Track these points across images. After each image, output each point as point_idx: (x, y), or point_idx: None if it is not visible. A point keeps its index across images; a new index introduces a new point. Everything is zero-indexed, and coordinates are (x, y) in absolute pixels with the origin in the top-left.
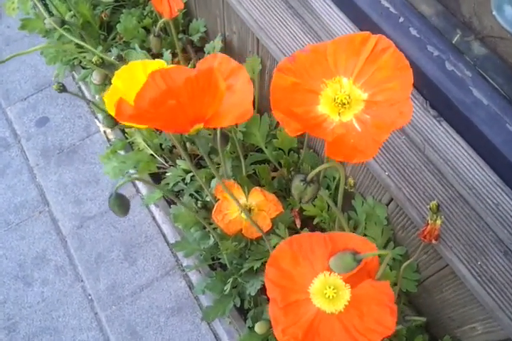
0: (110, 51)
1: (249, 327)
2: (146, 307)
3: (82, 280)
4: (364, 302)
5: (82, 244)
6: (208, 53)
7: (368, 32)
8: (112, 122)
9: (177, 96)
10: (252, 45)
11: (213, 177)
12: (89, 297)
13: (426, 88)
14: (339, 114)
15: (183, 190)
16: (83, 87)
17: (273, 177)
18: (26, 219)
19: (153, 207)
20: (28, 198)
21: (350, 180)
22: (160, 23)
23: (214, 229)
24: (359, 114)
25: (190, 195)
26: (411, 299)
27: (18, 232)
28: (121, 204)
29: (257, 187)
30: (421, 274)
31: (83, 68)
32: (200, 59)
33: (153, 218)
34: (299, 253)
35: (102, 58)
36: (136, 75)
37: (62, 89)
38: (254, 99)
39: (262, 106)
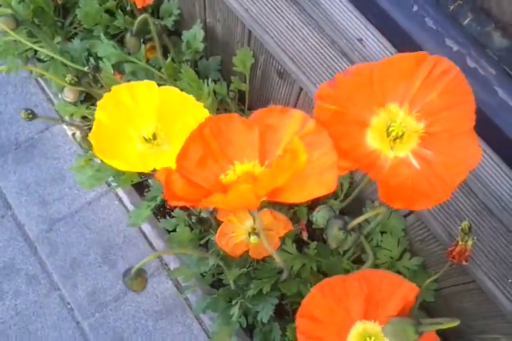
0: (71, 41)
1: None
2: (132, 312)
3: (58, 289)
4: None
5: (54, 248)
6: (187, 42)
7: (424, 52)
8: (90, 145)
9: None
10: (242, 36)
11: None
12: (69, 306)
13: None
14: (391, 148)
15: None
16: (42, 83)
17: None
18: None
19: (129, 206)
20: None
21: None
22: (139, 19)
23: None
24: (417, 148)
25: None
26: (422, 302)
27: None
28: (141, 282)
29: (266, 209)
30: (439, 284)
31: (39, 60)
32: (175, 45)
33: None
34: (332, 299)
35: (77, 76)
36: (122, 102)
37: (32, 116)
38: (245, 96)
39: (253, 104)
